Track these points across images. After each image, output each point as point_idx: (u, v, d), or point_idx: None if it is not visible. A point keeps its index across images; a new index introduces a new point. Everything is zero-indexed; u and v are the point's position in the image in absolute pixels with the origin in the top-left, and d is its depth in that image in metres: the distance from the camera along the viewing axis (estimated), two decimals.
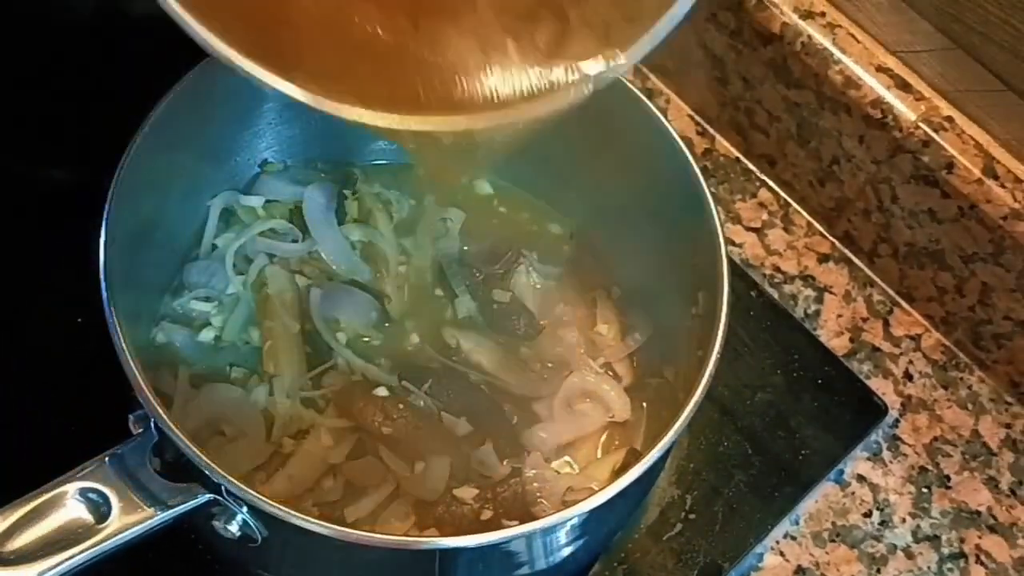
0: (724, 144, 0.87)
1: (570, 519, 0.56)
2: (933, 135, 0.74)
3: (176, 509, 0.54)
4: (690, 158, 0.64)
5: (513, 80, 0.46)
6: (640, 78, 0.88)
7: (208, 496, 0.54)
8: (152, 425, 0.54)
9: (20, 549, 0.51)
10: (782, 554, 0.72)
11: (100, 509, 0.53)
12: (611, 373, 0.71)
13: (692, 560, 0.70)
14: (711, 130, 0.87)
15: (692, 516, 0.71)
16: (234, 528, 0.54)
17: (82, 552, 0.52)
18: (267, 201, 0.71)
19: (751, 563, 0.71)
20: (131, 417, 0.56)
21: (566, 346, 0.70)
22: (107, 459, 0.54)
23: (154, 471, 0.54)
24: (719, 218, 0.62)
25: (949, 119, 0.74)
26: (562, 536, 0.61)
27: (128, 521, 0.53)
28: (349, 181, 0.72)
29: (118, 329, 0.54)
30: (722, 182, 0.85)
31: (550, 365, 0.69)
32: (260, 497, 0.52)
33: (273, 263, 0.69)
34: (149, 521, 0.53)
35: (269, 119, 0.70)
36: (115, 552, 0.53)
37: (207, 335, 0.67)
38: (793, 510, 0.73)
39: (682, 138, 0.65)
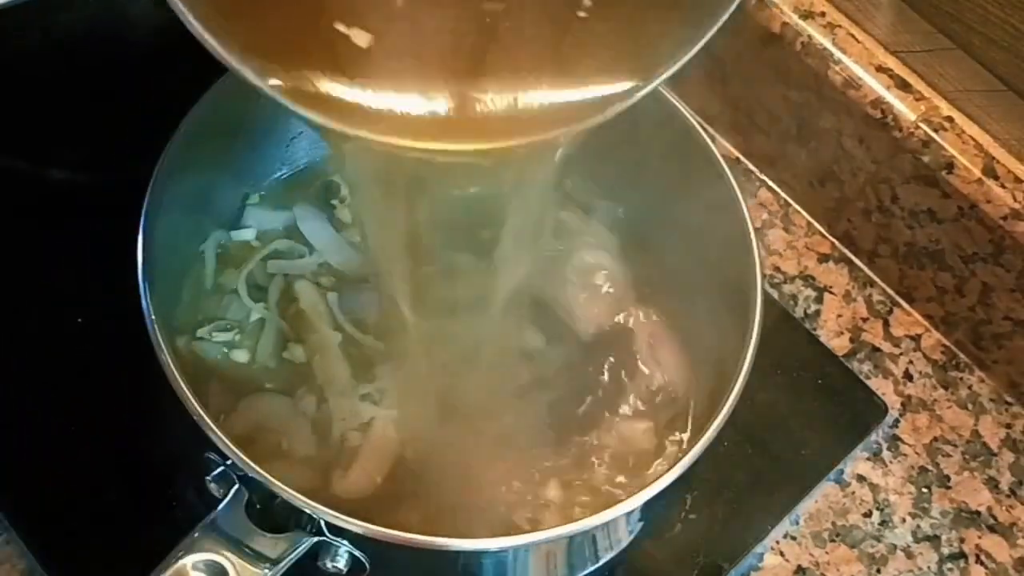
0: (724, 144, 0.87)
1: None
2: (933, 135, 0.74)
3: (285, 560, 0.53)
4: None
5: (548, 101, 0.46)
6: None
7: (314, 539, 0.54)
8: (236, 482, 0.54)
9: None
10: (782, 554, 0.72)
11: None
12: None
13: (692, 560, 0.70)
14: (711, 130, 0.87)
15: (692, 516, 0.71)
16: (341, 564, 0.54)
17: None
18: (258, 232, 0.71)
19: (751, 563, 0.71)
20: (210, 480, 0.55)
21: None
22: (211, 525, 0.54)
23: (253, 525, 0.54)
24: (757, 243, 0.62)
25: (949, 119, 0.74)
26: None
27: None
28: (331, 192, 0.73)
29: (190, 398, 0.54)
30: None
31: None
32: (363, 524, 0.52)
33: (296, 279, 0.70)
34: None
35: (247, 157, 0.71)
36: None
37: (240, 356, 0.67)
38: (793, 510, 0.73)
39: None
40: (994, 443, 0.78)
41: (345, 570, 0.55)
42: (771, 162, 0.85)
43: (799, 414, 0.75)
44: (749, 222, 0.63)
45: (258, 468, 0.52)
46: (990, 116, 0.74)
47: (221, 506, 0.54)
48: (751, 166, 0.86)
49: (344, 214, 0.72)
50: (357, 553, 0.54)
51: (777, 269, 0.82)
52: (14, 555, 0.66)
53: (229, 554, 0.53)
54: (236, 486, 0.54)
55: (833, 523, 0.74)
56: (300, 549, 0.54)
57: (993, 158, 0.73)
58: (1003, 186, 0.73)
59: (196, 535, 0.53)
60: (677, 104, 0.65)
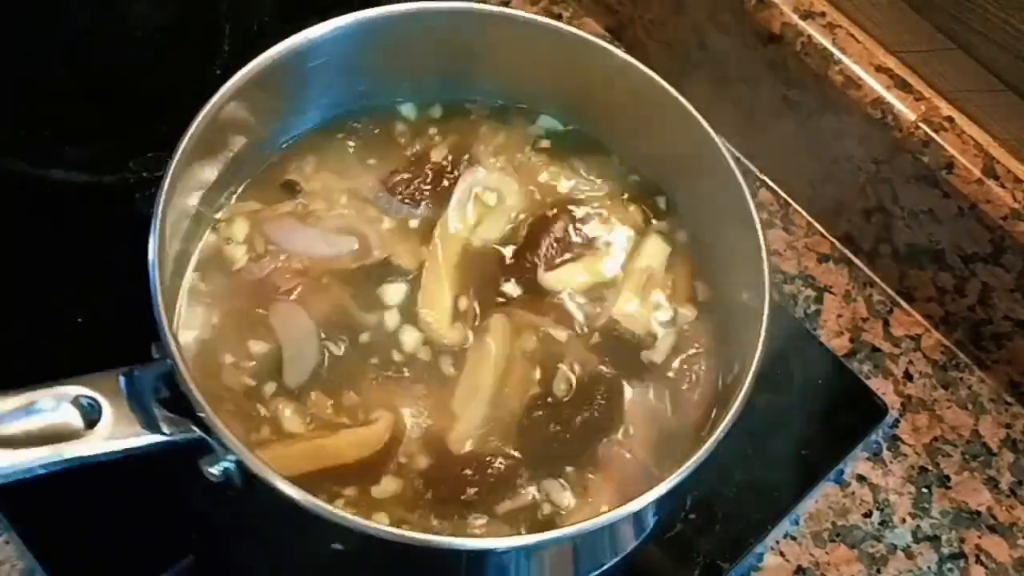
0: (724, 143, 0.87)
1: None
2: (933, 135, 0.74)
3: (166, 438, 0.55)
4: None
5: None
6: None
7: (198, 435, 0.54)
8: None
9: (5, 437, 0.53)
10: (782, 554, 0.72)
11: (91, 417, 0.54)
12: None
13: (692, 560, 0.70)
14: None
15: (692, 516, 0.71)
16: (216, 471, 0.55)
17: (61, 453, 0.53)
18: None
19: (751, 563, 0.71)
20: (154, 345, 0.56)
21: None
22: (120, 376, 0.55)
23: (157, 399, 0.55)
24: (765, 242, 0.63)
25: (949, 119, 0.74)
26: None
27: (115, 435, 0.54)
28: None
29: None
30: None
31: None
32: (251, 457, 0.52)
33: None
34: (135, 440, 0.54)
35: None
36: (93, 462, 0.54)
37: None
38: (793, 510, 0.73)
39: None
40: (994, 443, 0.78)
41: (220, 479, 0.55)
42: (771, 162, 0.85)
43: (799, 414, 0.75)
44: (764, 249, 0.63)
45: (174, 348, 0.54)
46: (990, 116, 0.74)
47: (146, 365, 0.56)
48: (751, 166, 0.86)
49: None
50: (235, 471, 0.54)
51: (777, 269, 0.82)
52: (14, 555, 0.66)
53: (116, 403, 0.54)
54: (163, 357, 0.55)
55: (833, 523, 0.74)
56: (182, 437, 0.55)
57: (993, 158, 0.73)
58: (1003, 186, 0.73)
59: (97, 376, 0.55)
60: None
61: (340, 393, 0.64)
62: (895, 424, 0.78)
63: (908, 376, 0.80)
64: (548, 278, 0.69)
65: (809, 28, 0.77)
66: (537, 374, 0.66)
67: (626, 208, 0.72)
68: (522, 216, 0.71)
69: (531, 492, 0.62)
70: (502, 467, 0.62)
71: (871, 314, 0.82)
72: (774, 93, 0.81)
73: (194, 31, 0.84)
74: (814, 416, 0.75)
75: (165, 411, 0.55)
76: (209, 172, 0.66)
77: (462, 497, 0.61)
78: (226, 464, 0.54)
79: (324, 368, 0.64)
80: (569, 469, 0.63)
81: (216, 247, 0.67)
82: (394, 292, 0.67)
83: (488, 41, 0.70)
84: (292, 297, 0.66)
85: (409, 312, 0.66)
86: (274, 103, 0.67)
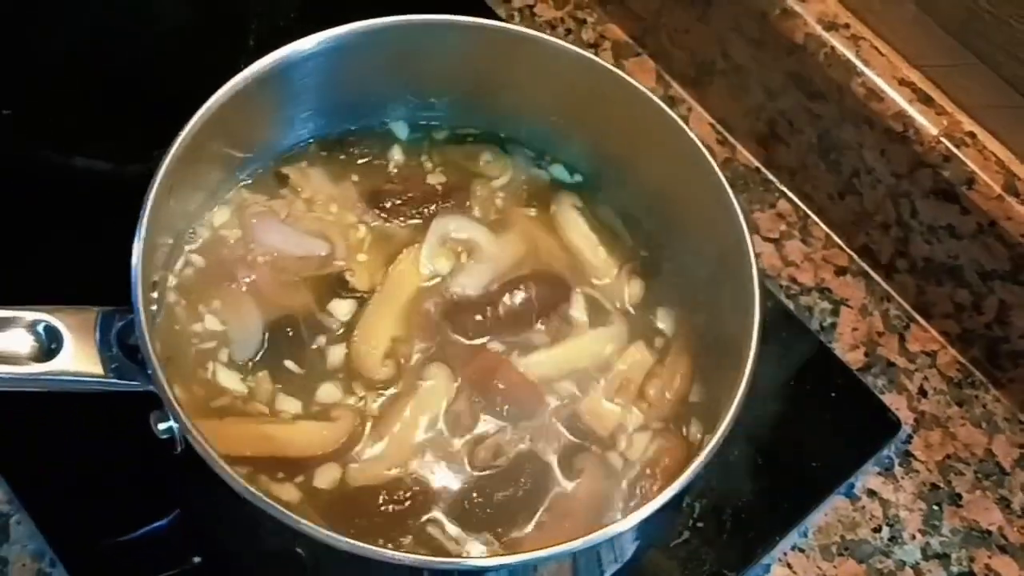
0: (744, 154, 0.87)
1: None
2: (954, 150, 0.74)
3: (118, 382, 0.56)
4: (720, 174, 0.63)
5: None
6: (662, 86, 0.88)
7: (147, 390, 0.55)
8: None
9: None
10: (789, 566, 0.72)
11: (50, 347, 0.55)
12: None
13: (698, 569, 0.69)
14: (732, 139, 0.87)
15: (700, 524, 0.71)
16: (162, 428, 0.55)
17: (6, 375, 0.55)
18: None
19: (757, 574, 0.71)
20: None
21: None
22: (99, 314, 0.56)
23: (123, 346, 0.56)
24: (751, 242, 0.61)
25: (971, 134, 0.74)
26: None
27: (69, 369, 0.55)
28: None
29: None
30: (741, 192, 0.85)
31: None
32: (188, 421, 0.53)
33: None
34: (88, 379, 0.55)
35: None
36: (41, 391, 0.56)
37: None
38: (802, 522, 0.72)
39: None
40: (1007, 462, 0.77)
41: (163, 436, 0.55)
42: (791, 173, 0.85)
43: (811, 426, 0.75)
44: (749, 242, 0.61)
45: (140, 305, 0.55)
46: (1013, 132, 0.73)
47: (123, 310, 0.56)
48: (771, 176, 0.86)
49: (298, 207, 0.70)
50: (177, 433, 0.54)
51: (794, 280, 0.82)
52: (25, 535, 0.67)
53: (80, 338, 0.55)
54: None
55: (842, 537, 0.73)
56: (132, 386, 0.56)
57: (1014, 175, 0.73)
58: None
59: (71, 308, 0.56)
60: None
61: (280, 381, 0.64)
62: (908, 440, 0.77)
63: (923, 392, 0.79)
64: (517, 361, 0.65)
65: (833, 39, 0.76)
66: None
67: (627, 283, 0.69)
68: (509, 275, 0.68)
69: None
70: (405, 504, 0.61)
71: (887, 328, 0.81)
72: (796, 103, 0.80)
73: (221, 28, 0.85)
74: (826, 429, 0.75)
75: (127, 360, 0.56)
76: (205, 171, 0.67)
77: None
78: (172, 424, 0.55)
79: (265, 357, 0.64)
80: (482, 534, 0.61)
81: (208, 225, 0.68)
82: (345, 308, 0.66)
83: (508, 65, 0.67)
84: (245, 286, 0.66)
85: (349, 333, 0.65)
86: (270, 112, 0.67)
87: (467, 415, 0.63)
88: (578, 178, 0.73)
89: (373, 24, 0.65)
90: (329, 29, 0.64)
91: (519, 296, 0.67)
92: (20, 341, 0.55)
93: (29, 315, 0.56)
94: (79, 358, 0.55)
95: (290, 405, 0.63)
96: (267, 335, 0.65)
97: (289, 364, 0.64)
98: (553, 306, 0.68)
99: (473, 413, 0.64)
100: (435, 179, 0.72)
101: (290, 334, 0.65)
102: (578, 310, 0.68)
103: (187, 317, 0.65)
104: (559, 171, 0.73)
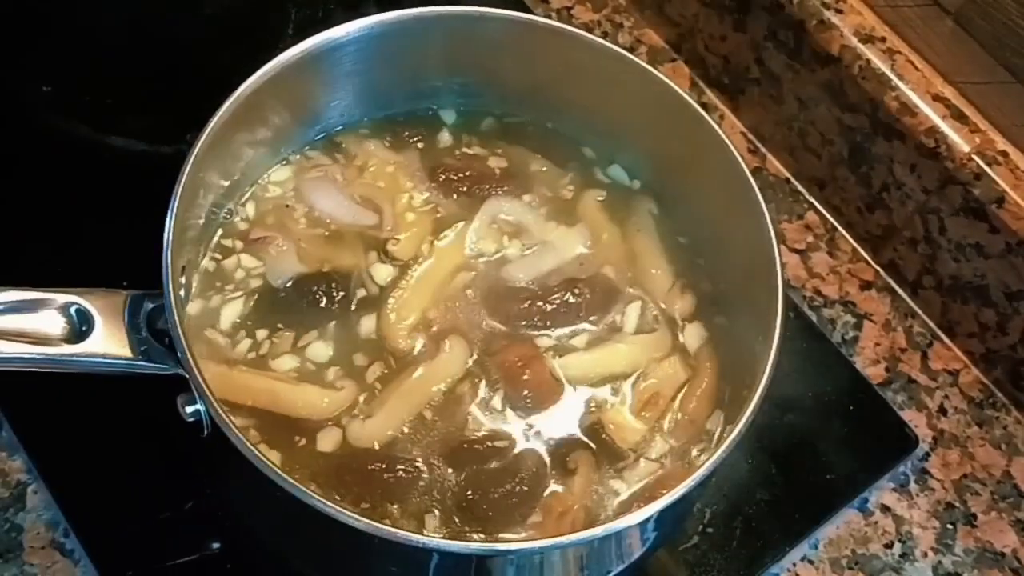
0: (775, 164, 0.86)
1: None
2: (986, 168, 0.73)
3: (147, 365, 0.56)
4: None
5: None
6: (696, 92, 0.88)
7: (175, 372, 0.56)
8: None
9: None
10: None
11: (81, 329, 0.56)
12: None
13: (705, 574, 0.69)
14: (763, 149, 0.87)
15: (709, 530, 0.70)
16: (189, 411, 0.56)
17: (39, 356, 0.55)
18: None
19: None
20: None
21: None
22: (128, 296, 0.57)
23: (153, 328, 0.57)
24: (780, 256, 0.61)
25: (1003, 153, 0.73)
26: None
27: (98, 351, 0.56)
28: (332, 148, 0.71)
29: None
30: (769, 202, 0.84)
31: None
32: (218, 405, 0.53)
33: None
34: (117, 361, 0.56)
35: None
36: (73, 371, 0.56)
37: None
38: (813, 533, 0.72)
39: None
40: None
41: (190, 420, 0.56)
42: (821, 185, 0.84)
43: (827, 438, 0.75)
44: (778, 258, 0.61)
45: (171, 289, 0.55)
46: None
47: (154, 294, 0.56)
48: (800, 187, 0.85)
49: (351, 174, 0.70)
50: (205, 415, 0.55)
51: (818, 292, 0.82)
52: (41, 505, 0.68)
53: (111, 322, 0.56)
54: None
55: (853, 550, 0.73)
56: (161, 369, 0.56)
57: None
58: None
59: (102, 291, 0.57)
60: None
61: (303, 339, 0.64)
62: (925, 457, 0.77)
63: (943, 410, 0.79)
64: (552, 358, 0.65)
65: (868, 52, 0.76)
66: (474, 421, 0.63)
67: (679, 296, 0.68)
68: (568, 271, 0.68)
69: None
70: (407, 476, 0.61)
71: (910, 345, 0.81)
72: (828, 115, 0.80)
73: (261, 13, 0.86)
74: (843, 441, 0.75)
75: (156, 342, 0.57)
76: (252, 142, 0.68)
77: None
78: (200, 407, 0.56)
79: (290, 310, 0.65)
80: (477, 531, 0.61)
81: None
82: (384, 273, 0.67)
83: (567, 64, 0.68)
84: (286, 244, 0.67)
85: (383, 300, 0.66)
86: (308, 97, 0.68)
87: (469, 396, 0.64)
88: (636, 183, 0.72)
89: (402, 15, 0.66)
90: (361, 19, 0.65)
91: (572, 296, 0.66)
92: (52, 323, 0.56)
93: (61, 297, 0.56)
94: (109, 341, 0.56)
95: (306, 363, 0.64)
96: (296, 286, 0.65)
97: (313, 321, 0.65)
98: (602, 310, 0.67)
99: (474, 393, 0.64)
100: (496, 163, 0.72)
101: (323, 289, 0.65)
102: (627, 315, 0.67)
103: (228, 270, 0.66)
104: (617, 172, 0.73)
